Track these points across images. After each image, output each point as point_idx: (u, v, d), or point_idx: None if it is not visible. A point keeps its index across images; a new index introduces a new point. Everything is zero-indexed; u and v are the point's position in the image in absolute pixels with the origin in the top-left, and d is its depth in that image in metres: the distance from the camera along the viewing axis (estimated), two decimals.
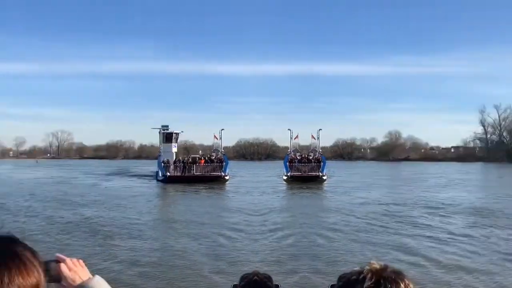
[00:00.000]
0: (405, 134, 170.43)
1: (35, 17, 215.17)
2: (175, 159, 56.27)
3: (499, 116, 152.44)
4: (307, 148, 64.53)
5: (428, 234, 19.67)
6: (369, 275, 1.49)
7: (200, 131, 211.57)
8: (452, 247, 16.98)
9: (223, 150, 59.17)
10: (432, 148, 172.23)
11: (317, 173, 52.02)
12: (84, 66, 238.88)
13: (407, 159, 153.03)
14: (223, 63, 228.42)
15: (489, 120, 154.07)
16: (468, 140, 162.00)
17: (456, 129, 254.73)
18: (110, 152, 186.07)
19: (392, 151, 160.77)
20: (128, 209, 28.51)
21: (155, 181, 53.88)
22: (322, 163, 53.23)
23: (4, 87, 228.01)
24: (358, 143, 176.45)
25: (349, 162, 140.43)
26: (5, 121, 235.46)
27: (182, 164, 53.12)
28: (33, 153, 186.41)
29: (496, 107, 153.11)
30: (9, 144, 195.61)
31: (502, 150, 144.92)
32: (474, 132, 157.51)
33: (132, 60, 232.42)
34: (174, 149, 59.92)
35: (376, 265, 1.54)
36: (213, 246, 17.40)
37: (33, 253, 1.26)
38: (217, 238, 18.95)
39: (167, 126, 61.68)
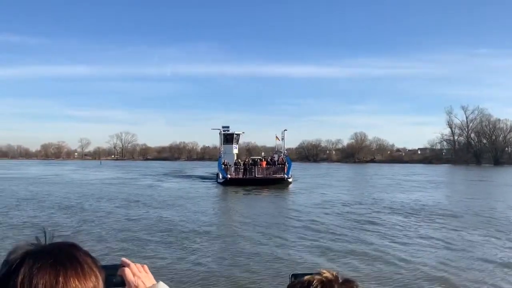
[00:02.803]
0: (371, 135, 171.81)
1: (102, 20, 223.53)
2: (235, 160, 53.84)
3: (466, 118, 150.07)
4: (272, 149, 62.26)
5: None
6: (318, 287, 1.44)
7: (263, 132, 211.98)
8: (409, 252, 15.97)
9: (286, 152, 56.25)
10: (398, 150, 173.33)
11: (282, 175, 48.82)
12: (148, 69, 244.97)
13: (372, 161, 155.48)
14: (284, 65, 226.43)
15: (456, 121, 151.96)
16: (435, 142, 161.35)
17: (423, 131, 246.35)
18: (173, 153, 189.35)
19: (357, 153, 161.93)
20: (189, 210, 27.48)
21: (216, 183, 52.02)
22: (287, 165, 50.05)
23: (69, 89, 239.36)
24: (323, 144, 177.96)
25: (314, 163, 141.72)
26: (70, 123, 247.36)
27: (243, 166, 50.42)
28: (97, 154, 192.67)
29: (464, 108, 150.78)
30: (74, 145, 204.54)
31: (469, 152, 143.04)
32: (441, 134, 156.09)
33: (196, 63, 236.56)
34: (235, 151, 58.19)
35: (328, 274, 1.46)
36: (276, 248, 16.42)
37: (94, 260, 1.27)
38: (279, 240, 17.97)
39: (228, 127, 60.16)
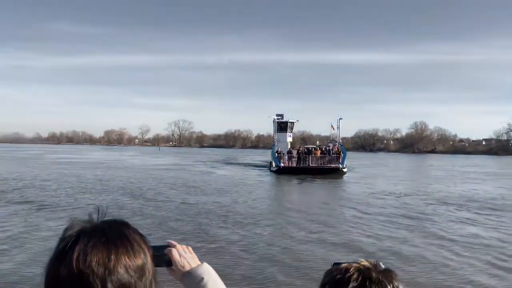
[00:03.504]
0: (431, 125, 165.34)
1: (161, 11, 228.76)
2: (288, 149, 53.81)
3: None
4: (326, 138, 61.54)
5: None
6: (354, 275, 1.43)
7: (318, 121, 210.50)
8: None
9: (341, 141, 55.64)
10: (461, 140, 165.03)
11: (337, 165, 47.94)
12: (204, 57, 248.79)
13: (433, 151, 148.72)
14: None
15: None
16: (501, 133, 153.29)
17: (488, 121, 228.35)
18: (228, 141, 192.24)
19: (417, 143, 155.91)
20: (241, 197, 27.74)
21: (269, 171, 52.23)
22: (342, 155, 49.10)
23: (130, 78, 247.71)
24: (380, 134, 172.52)
25: (371, 153, 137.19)
26: (131, 111, 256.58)
27: (297, 155, 50.35)
28: (156, 141, 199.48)
29: None
30: (134, 132, 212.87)
31: None
32: (508, 124, 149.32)
33: (251, 51, 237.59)
34: (289, 139, 58.14)
35: (366, 262, 1.47)
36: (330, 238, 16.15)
37: (142, 237, 1.32)
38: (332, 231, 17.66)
39: (282, 114, 60.15)
